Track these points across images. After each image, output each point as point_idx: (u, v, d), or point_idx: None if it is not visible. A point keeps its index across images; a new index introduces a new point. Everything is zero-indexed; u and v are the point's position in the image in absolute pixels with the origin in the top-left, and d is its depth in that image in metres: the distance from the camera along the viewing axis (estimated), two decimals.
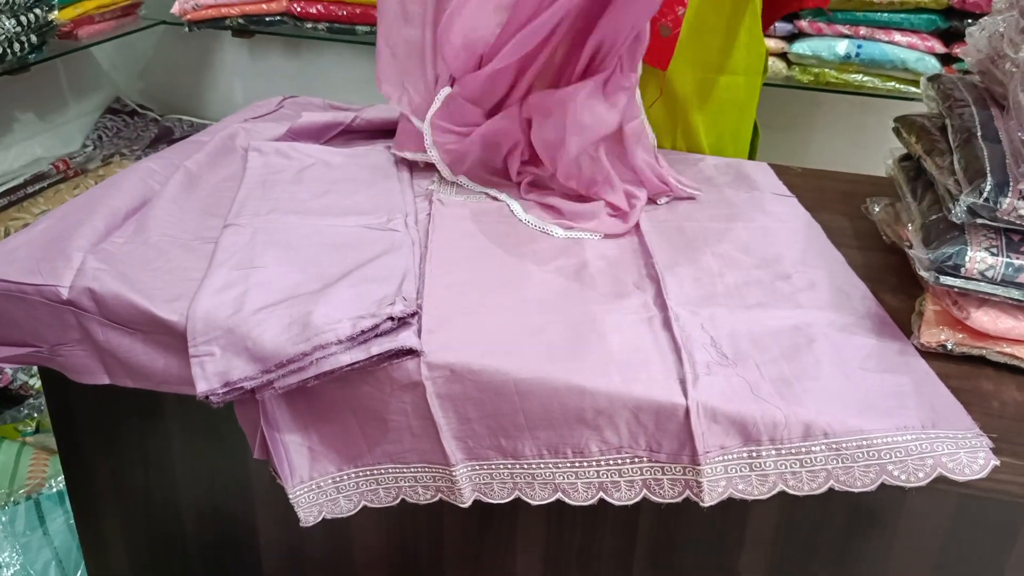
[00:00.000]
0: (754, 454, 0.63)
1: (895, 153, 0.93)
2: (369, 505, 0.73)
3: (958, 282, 0.69)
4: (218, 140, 1.00)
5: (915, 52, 1.55)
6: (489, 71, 0.87)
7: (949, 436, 0.61)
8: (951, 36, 1.54)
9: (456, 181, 0.95)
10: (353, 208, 0.88)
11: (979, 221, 0.68)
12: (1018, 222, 0.67)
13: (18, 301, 0.74)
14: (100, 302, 0.72)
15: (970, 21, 1.48)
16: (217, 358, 0.67)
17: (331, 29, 1.91)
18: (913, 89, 1.57)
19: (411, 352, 0.66)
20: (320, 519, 0.72)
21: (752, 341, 0.69)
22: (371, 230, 0.83)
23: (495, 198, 0.93)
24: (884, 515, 0.69)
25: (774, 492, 0.63)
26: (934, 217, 0.75)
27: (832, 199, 0.99)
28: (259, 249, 0.78)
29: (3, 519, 1.21)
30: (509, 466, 0.68)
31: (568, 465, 0.67)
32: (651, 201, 0.93)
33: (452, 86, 0.91)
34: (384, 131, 1.09)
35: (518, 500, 0.69)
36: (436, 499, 0.71)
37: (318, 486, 0.72)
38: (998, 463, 0.60)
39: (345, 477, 0.72)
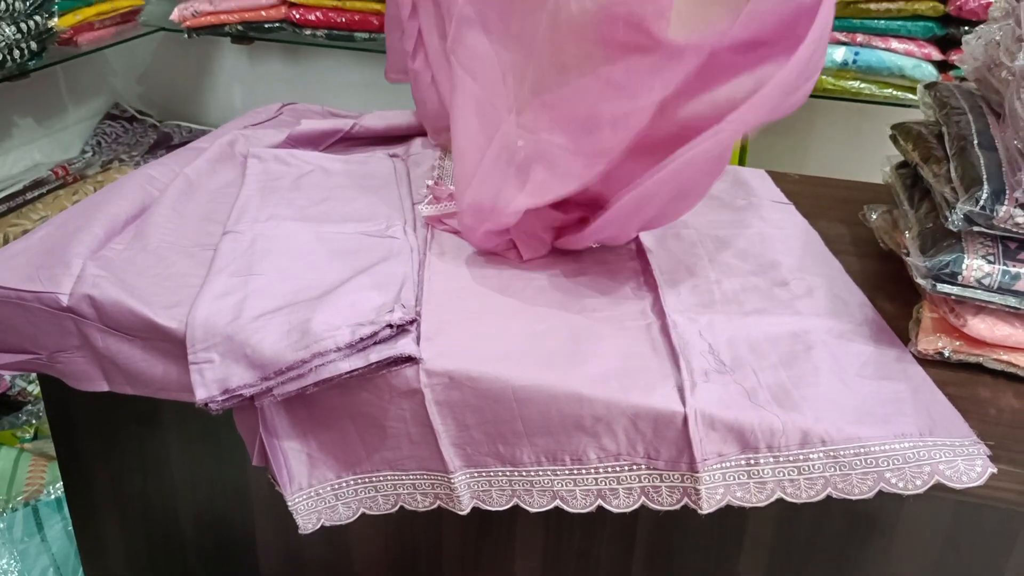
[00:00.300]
0: (752, 461, 0.63)
1: (892, 160, 0.93)
2: (368, 512, 0.73)
3: (955, 290, 0.69)
4: (217, 147, 1.00)
5: (912, 59, 1.55)
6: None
7: (946, 443, 0.61)
8: (948, 43, 1.54)
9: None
10: (352, 215, 0.88)
11: (976, 229, 0.69)
12: (1014, 230, 0.67)
13: (17, 308, 0.74)
14: (99, 309, 0.72)
15: (967, 28, 1.49)
16: (216, 365, 0.67)
17: (330, 36, 1.91)
18: (910, 96, 1.57)
19: (410, 359, 0.66)
20: (319, 526, 0.72)
21: (750, 348, 0.69)
22: (370, 237, 0.83)
23: None
24: (882, 522, 0.69)
25: (772, 500, 0.63)
26: (931, 224, 0.75)
27: (829, 206, 0.99)
28: (258, 256, 0.78)
29: (1, 525, 1.20)
30: (507, 473, 0.68)
31: (566, 472, 0.67)
32: None
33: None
34: (383, 138, 1.10)
35: (517, 507, 0.69)
36: (435, 506, 0.71)
37: (317, 493, 0.72)
38: (995, 470, 0.60)
39: (344, 484, 0.72)
